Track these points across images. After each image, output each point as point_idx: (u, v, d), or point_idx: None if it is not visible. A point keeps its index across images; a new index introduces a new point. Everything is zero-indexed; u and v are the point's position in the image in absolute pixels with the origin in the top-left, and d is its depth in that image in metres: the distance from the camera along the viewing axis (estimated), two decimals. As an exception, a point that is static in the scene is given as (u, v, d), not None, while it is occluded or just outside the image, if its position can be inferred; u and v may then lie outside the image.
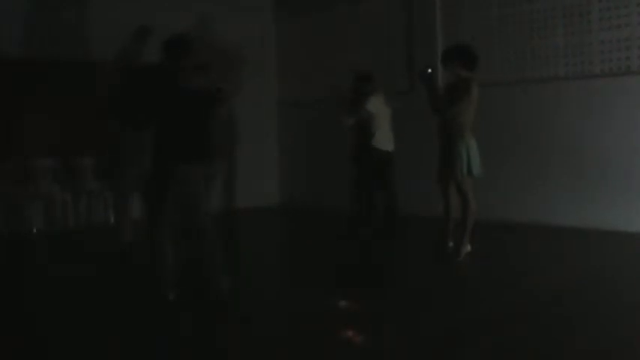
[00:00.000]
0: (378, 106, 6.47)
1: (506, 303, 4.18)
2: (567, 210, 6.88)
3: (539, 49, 7.13)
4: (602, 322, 3.73)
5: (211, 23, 8.96)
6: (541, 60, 7.12)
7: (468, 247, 5.45)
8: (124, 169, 6.10)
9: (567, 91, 6.94)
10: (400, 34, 8.31)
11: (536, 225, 6.97)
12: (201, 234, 4.29)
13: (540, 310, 3.99)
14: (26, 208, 7.54)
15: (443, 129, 5.37)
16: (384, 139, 6.54)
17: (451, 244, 5.55)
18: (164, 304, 4.23)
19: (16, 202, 7.50)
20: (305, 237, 7.23)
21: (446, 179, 5.44)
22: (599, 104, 6.70)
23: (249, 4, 9.49)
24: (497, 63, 7.35)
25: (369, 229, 6.59)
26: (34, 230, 7.52)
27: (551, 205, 7.00)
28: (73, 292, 4.75)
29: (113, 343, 3.57)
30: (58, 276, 5.30)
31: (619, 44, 6.60)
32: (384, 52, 8.40)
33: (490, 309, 4.04)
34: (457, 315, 3.94)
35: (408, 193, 7.18)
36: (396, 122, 6.62)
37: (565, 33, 6.96)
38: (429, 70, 5.24)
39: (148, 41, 5.76)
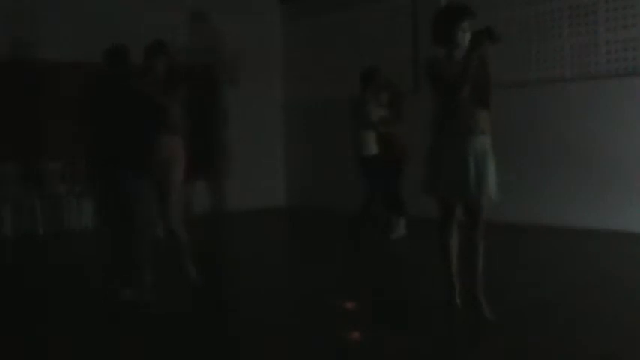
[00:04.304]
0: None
1: (512, 303, 4.16)
2: (573, 211, 6.85)
3: (545, 50, 7.12)
4: (611, 323, 3.72)
5: (215, 23, 8.99)
6: (547, 61, 7.10)
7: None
8: None
9: (573, 92, 6.92)
10: (406, 36, 8.31)
11: (543, 226, 6.95)
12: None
13: (549, 310, 3.98)
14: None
15: (468, 124, 3.70)
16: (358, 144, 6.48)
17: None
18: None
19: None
20: (310, 238, 7.24)
21: (463, 199, 3.75)
22: (605, 105, 6.68)
23: (256, 4, 9.52)
24: (502, 64, 7.32)
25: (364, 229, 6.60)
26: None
27: (557, 206, 6.97)
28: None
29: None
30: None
31: (625, 45, 6.58)
32: (389, 53, 8.39)
33: (498, 310, 4.03)
34: (464, 316, 3.93)
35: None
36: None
37: (571, 34, 6.94)
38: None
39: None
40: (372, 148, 6.40)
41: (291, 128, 9.96)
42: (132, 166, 4.31)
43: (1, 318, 4.19)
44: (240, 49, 9.02)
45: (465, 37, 3.60)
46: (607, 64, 6.72)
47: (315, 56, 9.42)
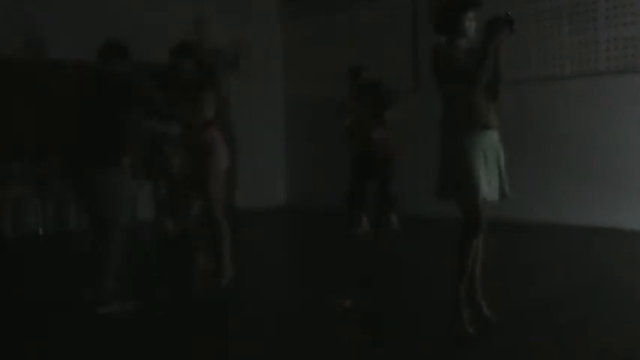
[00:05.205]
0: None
1: (512, 302, 4.16)
2: (573, 209, 6.85)
3: (545, 47, 7.11)
4: (611, 322, 3.72)
5: (215, 22, 8.99)
6: (547, 58, 7.10)
7: None
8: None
9: (573, 89, 6.91)
10: (405, 36, 8.30)
11: (542, 225, 6.95)
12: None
13: (550, 310, 3.98)
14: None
15: (480, 119, 3.46)
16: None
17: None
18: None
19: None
20: (311, 238, 7.24)
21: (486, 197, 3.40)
22: (605, 102, 6.68)
23: (256, 3, 9.52)
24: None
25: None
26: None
27: (557, 204, 6.97)
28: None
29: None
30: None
31: (625, 42, 6.57)
32: (389, 53, 8.38)
33: (500, 310, 4.03)
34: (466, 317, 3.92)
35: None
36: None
37: (571, 31, 6.93)
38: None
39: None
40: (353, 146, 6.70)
41: (292, 127, 9.96)
42: (118, 162, 4.18)
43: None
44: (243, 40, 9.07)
45: (471, 27, 3.48)
46: (607, 62, 6.71)
47: (316, 55, 9.41)
